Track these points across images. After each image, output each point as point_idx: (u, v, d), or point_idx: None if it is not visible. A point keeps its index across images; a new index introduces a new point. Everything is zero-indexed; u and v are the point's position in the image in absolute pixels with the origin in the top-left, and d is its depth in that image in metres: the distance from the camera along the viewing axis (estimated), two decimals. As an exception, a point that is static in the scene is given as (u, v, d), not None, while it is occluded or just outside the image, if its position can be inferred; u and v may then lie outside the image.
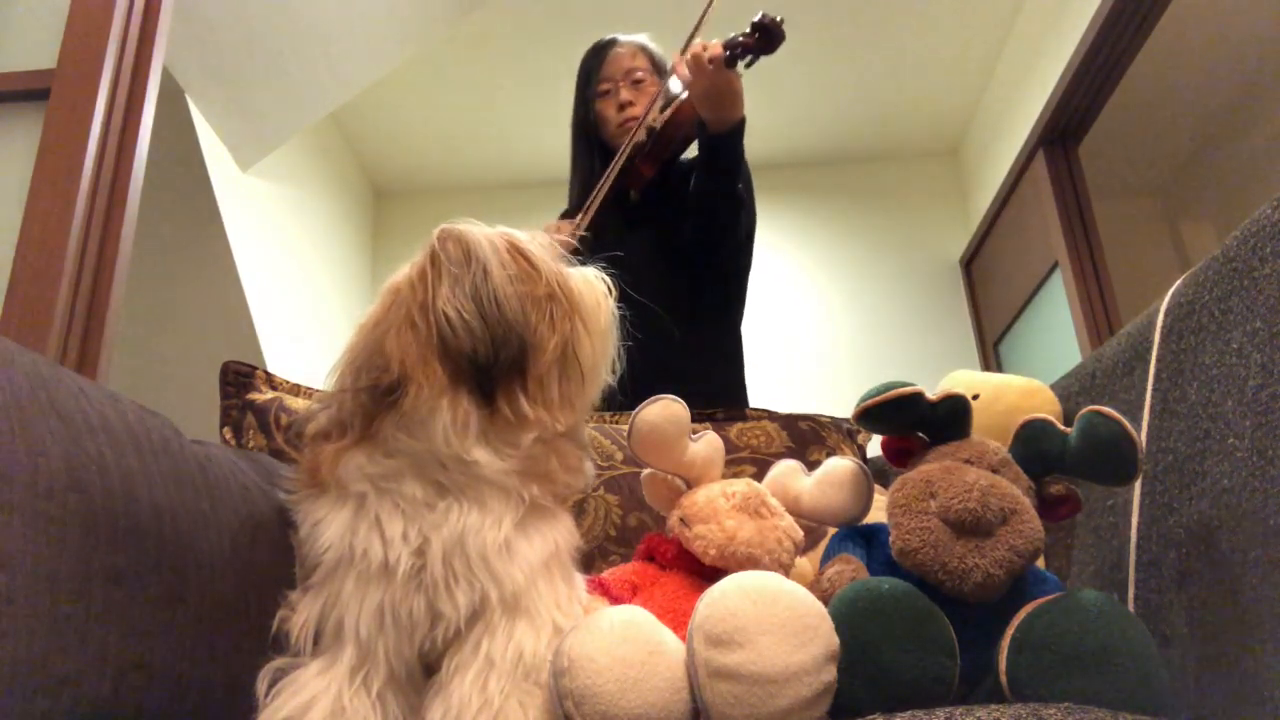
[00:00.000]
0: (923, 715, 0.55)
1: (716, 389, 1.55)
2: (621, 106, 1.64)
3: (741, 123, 1.46)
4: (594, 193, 1.55)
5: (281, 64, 2.71)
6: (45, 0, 1.59)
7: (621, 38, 1.70)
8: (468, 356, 0.67)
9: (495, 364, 0.67)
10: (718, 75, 1.40)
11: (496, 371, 0.68)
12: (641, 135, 1.57)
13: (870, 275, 4.00)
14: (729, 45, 1.43)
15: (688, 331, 1.54)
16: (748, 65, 1.44)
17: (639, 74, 1.65)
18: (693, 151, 1.62)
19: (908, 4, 3.31)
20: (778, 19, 1.39)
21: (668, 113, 1.57)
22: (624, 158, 1.55)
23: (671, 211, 1.60)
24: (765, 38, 1.40)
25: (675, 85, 1.60)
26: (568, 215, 1.68)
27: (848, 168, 4.18)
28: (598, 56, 1.70)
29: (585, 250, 1.51)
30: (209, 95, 2.67)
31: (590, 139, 1.70)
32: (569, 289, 0.73)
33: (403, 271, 0.73)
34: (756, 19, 1.41)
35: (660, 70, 1.69)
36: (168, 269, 2.75)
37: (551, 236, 1.55)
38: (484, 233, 0.72)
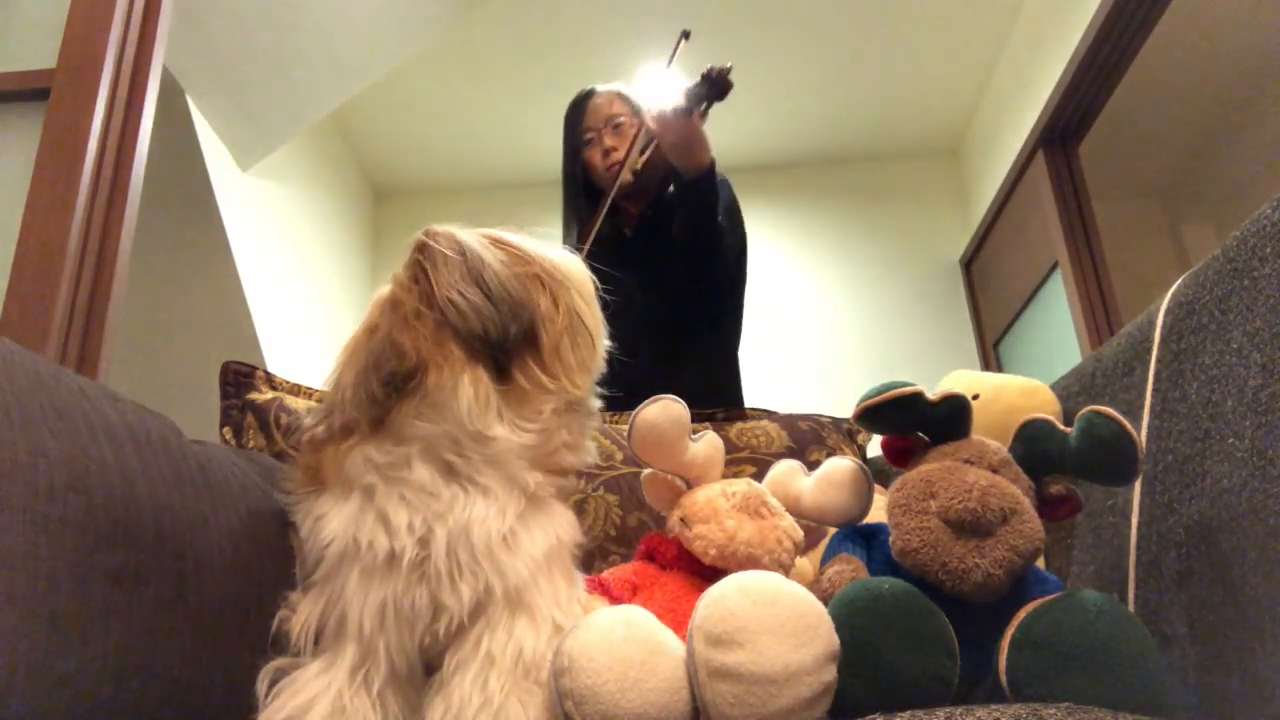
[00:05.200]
0: (923, 715, 0.55)
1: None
2: (606, 152, 1.72)
3: (711, 165, 1.55)
4: (589, 229, 1.63)
5: (282, 64, 2.71)
6: (45, 0, 1.58)
7: (599, 88, 1.79)
8: (479, 336, 0.69)
9: (507, 339, 0.70)
10: (679, 126, 1.49)
11: (510, 346, 0.70)
12: (627, 176, 1.66)
13: (870, 275, 3.99)
14: (685, 96, 1.52)
15: (683, 361, 1.62)
16: (703, 114, 1.54)
17: (620, 119, 1.73)
18: None
19: (908, 4, 3.31)
20: (726, 68, 1.49)
21: (645, 156, 1.66)
22: (611, 200, 1.64)
23: (661, 246, 1.67)
24: (714, 88, 1.49)
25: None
26: None
27: (848, 168, 4.18)
28: (579, 108, 1.78)
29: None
30: (209, 95, 2.67)
31: (578, 186, 1.77)
32: (556, 264, 0.76)
33: (385, 288, 0.75)
34: (705, 71, 1.50)
35: (638, 112, 1.76)
36: (168, 269, 2.75)
37: None
38: (465, 230, 0.75)
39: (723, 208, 1.61)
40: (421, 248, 0.73)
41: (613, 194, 1.65)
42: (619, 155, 1.71)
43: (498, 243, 0.76)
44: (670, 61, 1.62)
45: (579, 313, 0.75)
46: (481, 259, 0.72)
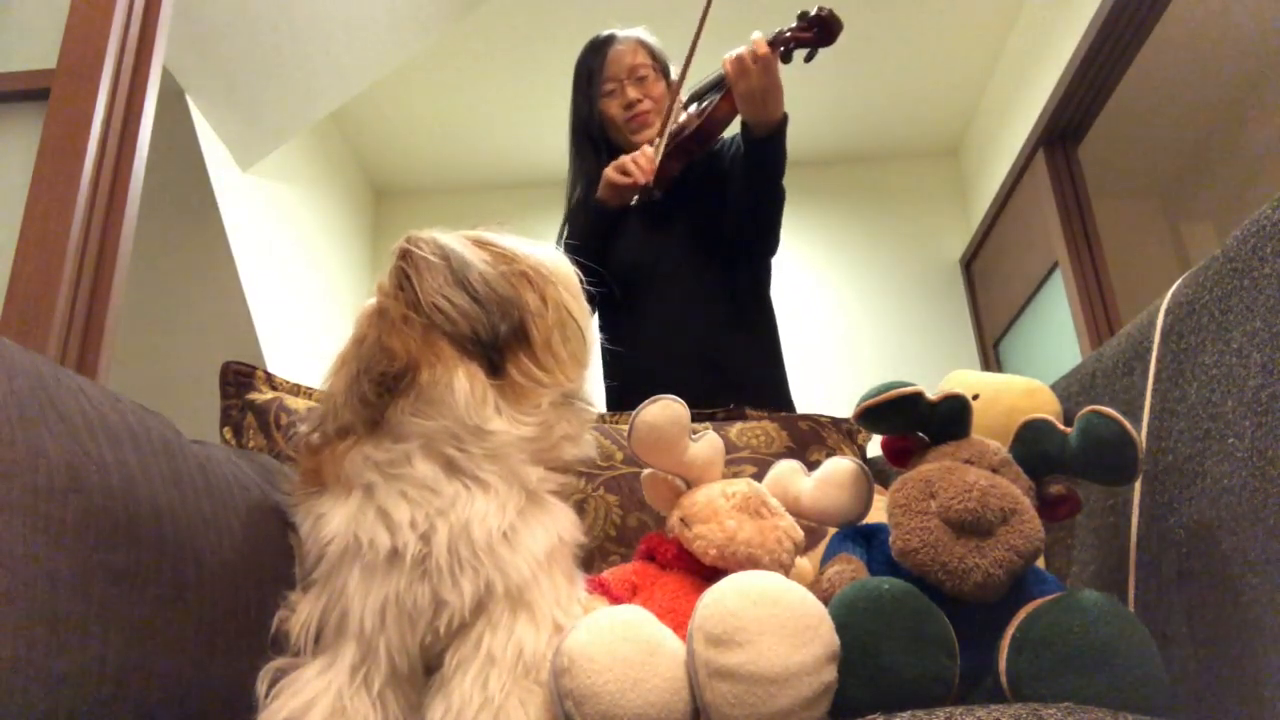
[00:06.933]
0: (923, 715, 0.55)
1: (758, 381, 1.56)
2: (629, 105, 1.61)
3: (785, 120, 1.43)
4: (663, 128, 1.50)
5: (282, 64, 2.71)
6: (45, 0, 1.58)
7: (620, 33, 1.67)
8: (469, 338, 0.70)
9: (498, 338, 0.71)
10: (767, 76, 1.37)
11: (501, 344, 0.71)
12: (673, 126, 1.54)
13: (870, 275, 3.99)
14: (778, 42, 1.38)
15: (725, 324, 1.54)
16: (807, 59, 1.40)
17: (642, 71, 1.62)
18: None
19: (908, 5, 3.31)
20: (831, 10, 1.35)
21: (703, 114, 1.51)
22: (665, 145, 1.51)
23: (699, 206, 1.58)
24: (824, 31, 1.36)
25: (693, 86, 1.58)
26: (572, 216, 1.66)
27: (848, 168, 4.18)
28: (598, 55, 1.65)
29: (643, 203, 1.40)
30: (209, 95, 2.67)
31: (594, 139, 1.66)
32: (541, 261, 0.77)
33: (371, 300, 0.75)
34: (812, 13, 1.37)
35: (661, 63, 1.66)
36: (168, 269, 2.75)
37: (633, 160, 1.51)
38: (447, 233, 0.76)
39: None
40: (404, 254, 0.73)
41: (666, 140, 1.49)
42: (644, 108, 1.60)
43: (481, 243, 0.76)
44: (700, 25, 1.49)
45: (567, 307, 0.76)
46: (465, 261, 0.72)
